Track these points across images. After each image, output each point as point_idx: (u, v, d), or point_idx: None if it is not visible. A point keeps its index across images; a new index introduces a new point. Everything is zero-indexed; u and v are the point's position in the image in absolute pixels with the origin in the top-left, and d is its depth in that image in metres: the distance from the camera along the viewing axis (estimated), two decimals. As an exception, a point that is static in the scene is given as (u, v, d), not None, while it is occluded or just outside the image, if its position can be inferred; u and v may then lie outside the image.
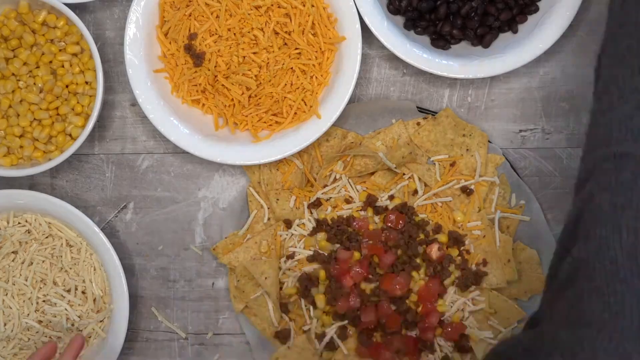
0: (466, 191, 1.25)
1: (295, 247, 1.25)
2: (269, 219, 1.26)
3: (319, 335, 1.24)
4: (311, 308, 1.24)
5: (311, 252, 1.24)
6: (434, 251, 1.23)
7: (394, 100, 1.28)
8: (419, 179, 1.25)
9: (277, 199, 1.25)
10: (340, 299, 1.21)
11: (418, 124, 1.26)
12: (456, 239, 1.24)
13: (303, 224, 1.25)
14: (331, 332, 1.24)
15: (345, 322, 1.23)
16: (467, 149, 1.26)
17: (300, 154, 1.27)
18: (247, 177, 1.29)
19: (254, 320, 1.27)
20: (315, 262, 1.24)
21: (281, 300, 1.25)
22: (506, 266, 1.24)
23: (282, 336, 1.25)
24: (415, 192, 1.25)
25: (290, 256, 1.25)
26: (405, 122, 1.26)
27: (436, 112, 1.27)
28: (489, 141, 1.26)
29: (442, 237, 1.24)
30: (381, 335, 1.23)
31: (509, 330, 1.25)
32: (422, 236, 1.23)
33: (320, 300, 1.23)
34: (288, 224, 1.26)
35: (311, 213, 1.26)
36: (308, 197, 1.26)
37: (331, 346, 1.24)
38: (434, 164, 1.26)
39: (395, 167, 1.24)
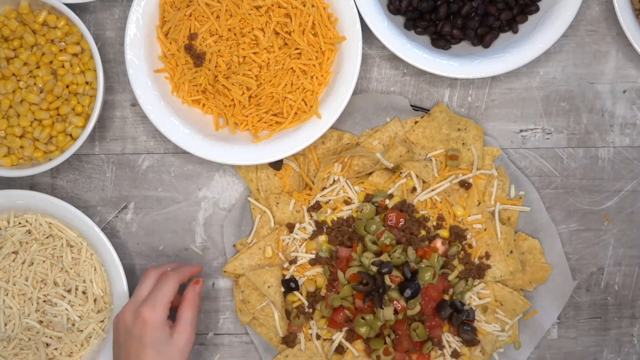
0: (465, 185, 1.25)
1: (297, 252, 1.25)
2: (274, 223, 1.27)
3: (326, 340, 1.25)
4: (314, 323, 1.25)
5: (312, 256, 1.24)
6: (439, 246, 1.23)
7: (386, 95, 1.28)
8: (417, 176, 1.25)
9: (277, 203, 1.25)
10: (333, 312, 1.23)
11: (416, 122, 1.27)
12: (457, 234, 1.24)
13: (304, 227, 1.25)
14: (339, 336, 1.24)
15: (344, 331, 1.24)
16: (463, 143, 1.26)
17: (296, 156, 1.27)
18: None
19: (261, 330, 1.27)
20: (317, 264, 1.24)
21: (285, 307, 1.26)
22: (509, 258, 1.24)
23: (289, 340, 1.25)
24: (414, 189, 1.25)
25: (293, 261, 1.25)
26: (402, 121, 1.27)
27: (429, 109, 1.27)
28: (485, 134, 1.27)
29: (444, 233, 1.24)
30: (389, 335, 1.23)
31: (515, 321, 1.25)
32: (423, 233, 1.24)
33: (318, 314, 1.24)
34: (290, 228, 1.26)
35: (311, 216, 1.26)
36: (307, 201, 1.26)
37: (340, 349, 1.25)
38: (431, 160, 1.26)
39: (393, 166, 1.24)
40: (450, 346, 1.24)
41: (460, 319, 1.23)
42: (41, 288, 1.25)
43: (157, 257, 1.30)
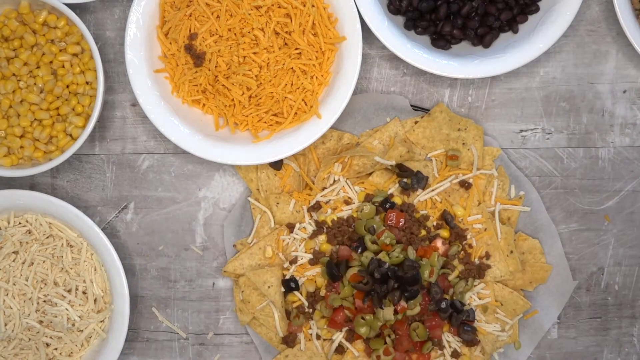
0: (465, 185, 1.25)
1: (297, 252, 1.25)
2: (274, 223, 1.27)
3: (326, 340, 1.25)
4: (314, 323, 1.25)
5: (312, 256, 1.24)
6: (440, 246, 1.23)
7: (386, 95, 1.28)
8: (417, 176, 1.25)
9: (277, 203, 1.25)
10: (333, 312, 1.23)
11: (416, 122, 1.27)
12: (458, 234, 1.24)
13: (304, 227, 1.25)
14: (339, 336, 1.24)
15: (344, 331, 1.24)
16: (463, 143, 1.26)
17: (296, 156, 1.27)
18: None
19: (261, 330, 1.27)
20: (317, 264, 1.24)
21: (285, 307, 1.26)
22: (509, 258, 1.24)
23: (289, 340, 1.25)
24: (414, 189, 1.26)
25: (293, 261, 1.25)
26: (402, 121, 1.27)
27: (429, 109, 1.27)
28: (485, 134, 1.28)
29: (444, 233, 1.24)
30: (389, 335, 1.23)
31: (515, 321, 1.25)
32: (423, 232, 1.24)
33: (318, 314, 1.24)
34: (291, 228, 1.26)
35: (311, 216, 1.26)
36: (307, 201, 1.26)
37: (340, 349, 1.25)
38: (431, 160, 1.26)
39: (395, 163, 1.24)
40: (450, 346, 1.24)
41: (460, 319, 1.23)
42: (41, 288, 1.25)
43: (157, 257, 1.31)
